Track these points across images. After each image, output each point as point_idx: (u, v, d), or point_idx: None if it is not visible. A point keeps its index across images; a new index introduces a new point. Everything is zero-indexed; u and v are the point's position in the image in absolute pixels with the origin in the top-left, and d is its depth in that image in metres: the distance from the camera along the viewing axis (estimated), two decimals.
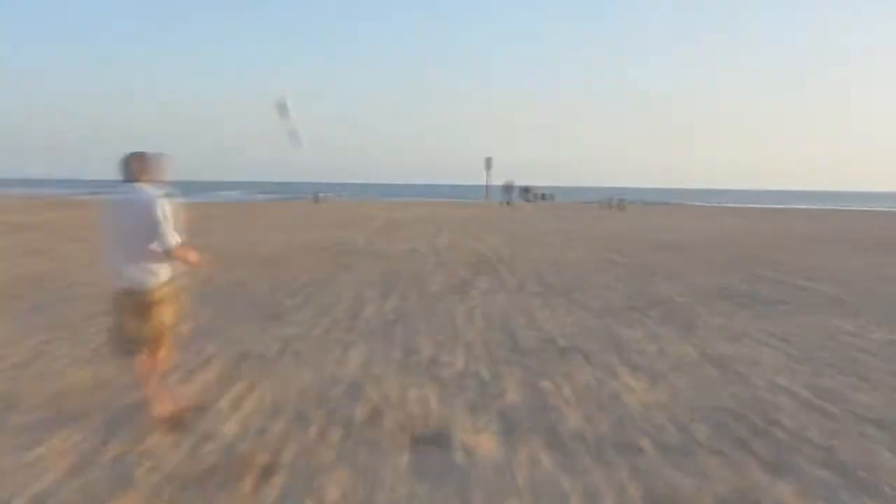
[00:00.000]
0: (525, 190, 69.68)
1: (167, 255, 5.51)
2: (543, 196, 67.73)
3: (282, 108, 11.42)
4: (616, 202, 52.35)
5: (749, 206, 65.18)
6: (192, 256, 5.61)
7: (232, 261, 15.73)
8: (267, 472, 5.26)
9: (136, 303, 5.57)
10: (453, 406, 6.55)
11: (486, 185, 64.90)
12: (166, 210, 5.45)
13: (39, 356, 7.91)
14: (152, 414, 5.86)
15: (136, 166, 5.63)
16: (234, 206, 46.43)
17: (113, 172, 5.56)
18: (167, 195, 5.57)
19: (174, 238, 5.50)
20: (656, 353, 8.37)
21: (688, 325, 9.82)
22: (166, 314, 5.74)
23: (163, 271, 5.64)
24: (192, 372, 7.46)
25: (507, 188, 60.03)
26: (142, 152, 5.63)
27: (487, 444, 5.77)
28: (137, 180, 5.62)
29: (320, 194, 55.95)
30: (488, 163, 65.82)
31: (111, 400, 6.52)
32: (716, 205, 65.89)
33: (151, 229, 5.45)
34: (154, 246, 5.46)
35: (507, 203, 53.54)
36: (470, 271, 14.51)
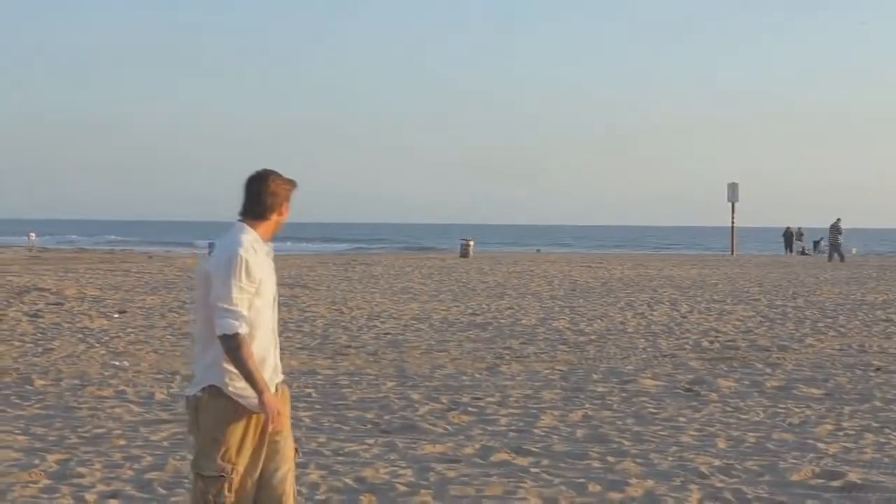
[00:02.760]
0: (798, 236, 67.48)
1: (223, 345, 5.00)
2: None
3: None
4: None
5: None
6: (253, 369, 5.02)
7: (334, 342, 15.83)
8: None
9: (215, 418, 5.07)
10: None
11: (732, 227, 63.21)
12: (243, 272, 5.00)
13: None
14: None
15: (260, 194, 5.19)
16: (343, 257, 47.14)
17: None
18: (258, 249, 5.14)
19: (235, 321, 4.98)
20: None
21: None
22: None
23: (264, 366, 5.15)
24: None
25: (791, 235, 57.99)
26: (273, 172, 5.21)
27: None
28: (250, 218, 5.18)
29: (468, 242, 55.90)
30: (733, 191, 64.05)
31: None
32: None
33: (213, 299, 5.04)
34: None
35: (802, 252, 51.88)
36: (704, 364, 14.48)
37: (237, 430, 5.02)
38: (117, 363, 14.06)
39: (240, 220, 5.14)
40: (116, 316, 20.38)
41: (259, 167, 5.21)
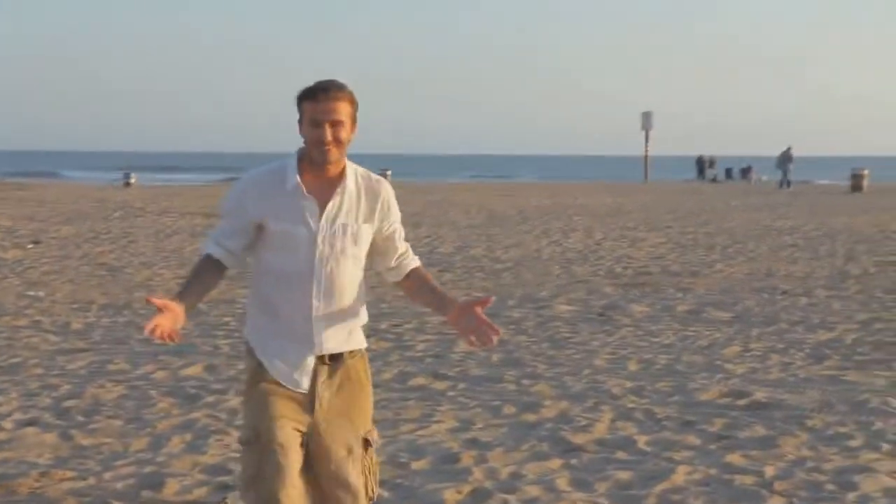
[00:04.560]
0: (710, 163, 68.23)
1: None
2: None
3: None
4: None
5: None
6: None
7: None
8: None
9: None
10: None
11: (646, 155, 63.78)
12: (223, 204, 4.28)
13: None
14: None
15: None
16: None
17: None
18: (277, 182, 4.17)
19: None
20: None
21: None
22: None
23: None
24: None
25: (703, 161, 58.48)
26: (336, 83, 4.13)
27: None
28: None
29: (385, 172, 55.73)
30: (647, 120, 64.52)
31: None
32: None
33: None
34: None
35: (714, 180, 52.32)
36: (617, 290, 14.53)
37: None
38: (32, 293, 13.88)
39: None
40: (30, 246, 20.06)
41: None
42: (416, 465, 6.61)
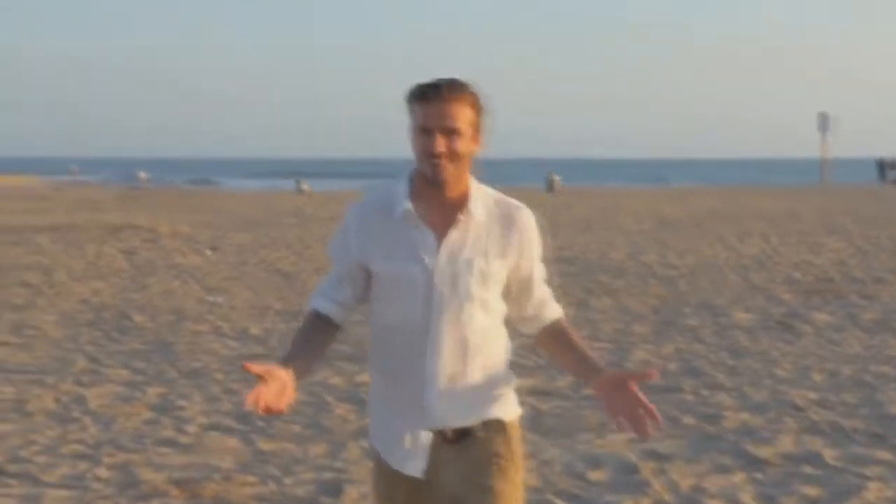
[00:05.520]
0: (893, 165, 66.10)
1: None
2: None
3: None
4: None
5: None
6: None
7: None
8: None
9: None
10: None
11: (823, 158, 61.99)
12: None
13: None
14: None
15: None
16: None
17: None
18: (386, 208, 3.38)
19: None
20: None
21: None
22: None
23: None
24: None
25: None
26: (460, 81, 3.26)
27: None
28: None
29: (553, 176, 55.58)
30: (824, 121, 62.79)
31: None
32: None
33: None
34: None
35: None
36: (797, 297, 14.22)
37: None
38: (212, 299, 14.29)
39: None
40: (209, 253, 20.68)
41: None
42: (593, 476, 6.53)
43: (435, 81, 3.18)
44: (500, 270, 3.26)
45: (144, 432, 7.63)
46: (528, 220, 3.32)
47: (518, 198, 3.38)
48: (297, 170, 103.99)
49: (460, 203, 3.22)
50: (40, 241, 22.65)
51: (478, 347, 3.26)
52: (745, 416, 7.86)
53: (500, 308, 3.33)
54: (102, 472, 6.66)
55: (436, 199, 3.21)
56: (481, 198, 3.27)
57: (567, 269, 17.40)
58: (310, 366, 3.31)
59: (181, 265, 18.46)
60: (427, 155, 3.15)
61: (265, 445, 7.25)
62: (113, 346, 10.92)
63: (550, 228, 22.25)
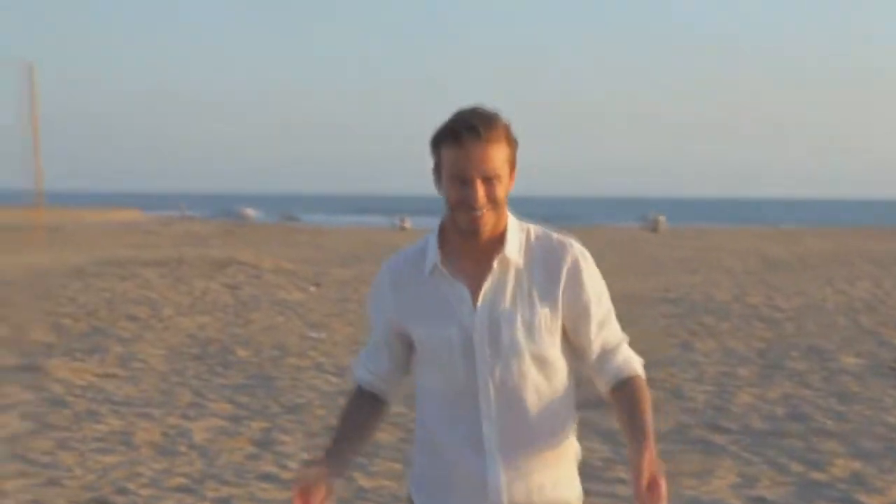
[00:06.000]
0: None
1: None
2: None
3: None
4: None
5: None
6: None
7: None
8: None
9: None
10: None
11: None
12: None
13: None
14: None
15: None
16: None
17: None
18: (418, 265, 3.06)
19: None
20: None
21: None
22: None
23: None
24: None
25: None
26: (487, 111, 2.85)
27: None
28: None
29: (657, 217, 55.44)
30: None
31: None
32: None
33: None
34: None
35: None
36: None
37: None
38: (314, 335, 14.41)
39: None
40: (312, 289, 20.89)
41: None
42: None
43: (468, 119, 2.77)
44: (549, 318, 2.85)
45: (247, 467, 7.71)
46: (577, 255, 2.91)
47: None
48: (394, 207, 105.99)
49: (496, 248, 2.85)
50: (148, 275, 23.10)
51: (537, 411, 2.86)
52: (855, 464, 7.66)
53: (560, 364, 2.90)
54: None
55: (468, 247, 2.86)
56: (517, 235, 2.89)
57: (671, 311, 17.20)
58: (357, 450, 2.98)
59: (284, 301, 18.67)
60: (466, 207, 2.78)
61: (365, 482, 7.26)
62: (217, 380, 11.08)
63: (655, 269, 22.25)
